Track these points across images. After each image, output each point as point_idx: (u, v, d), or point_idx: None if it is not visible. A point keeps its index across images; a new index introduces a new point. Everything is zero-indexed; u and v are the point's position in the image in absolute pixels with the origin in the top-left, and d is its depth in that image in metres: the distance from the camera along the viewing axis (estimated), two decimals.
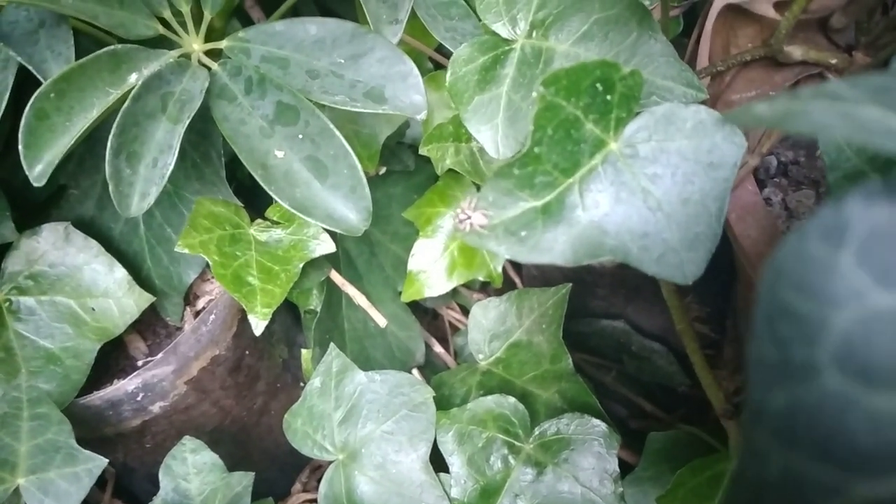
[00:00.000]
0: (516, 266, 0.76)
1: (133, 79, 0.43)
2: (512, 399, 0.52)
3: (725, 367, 0.57)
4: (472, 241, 0.30)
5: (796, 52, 0.40)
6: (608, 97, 0.30)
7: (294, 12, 0.52)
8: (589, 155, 0.31)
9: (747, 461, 0.15)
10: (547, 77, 0.29)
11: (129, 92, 0.41)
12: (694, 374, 0.72)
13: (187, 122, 0.42)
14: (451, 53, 0.44)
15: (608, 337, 0.73)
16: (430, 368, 0.70)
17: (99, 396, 0.53)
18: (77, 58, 0.44)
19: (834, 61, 0.40)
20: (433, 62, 0.64)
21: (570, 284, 0.58)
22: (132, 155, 0.42)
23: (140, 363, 0.57)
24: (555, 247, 0.30)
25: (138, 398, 0.54)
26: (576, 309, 0.57)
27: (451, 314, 0.76)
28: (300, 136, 0.42)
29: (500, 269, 0.63)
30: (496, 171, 0.29)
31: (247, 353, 0.60)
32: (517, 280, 0.76)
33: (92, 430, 0.56)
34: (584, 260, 0.30)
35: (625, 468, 0.52)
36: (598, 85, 0.30)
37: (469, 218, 0.29)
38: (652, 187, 0.31)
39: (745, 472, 0.15)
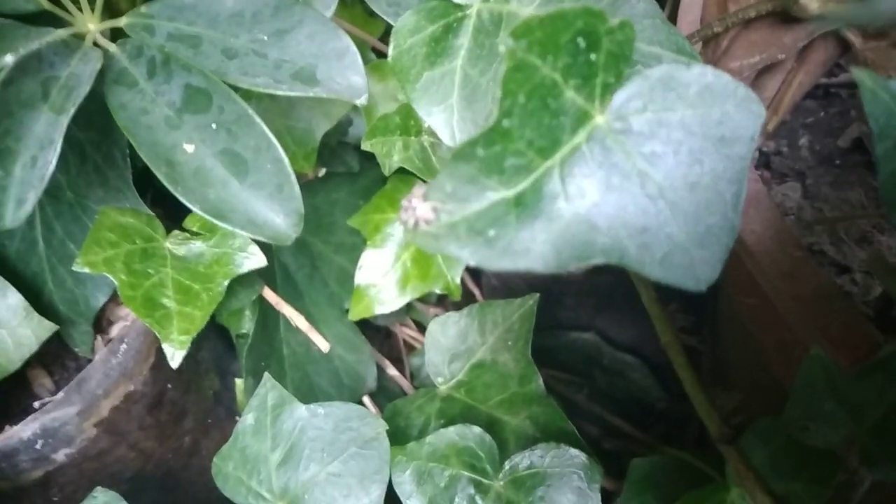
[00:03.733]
0: (475, 276, 0.69)
1: (8, 61, 0.35)
2: (477, 429, 0.45)
3: (715, 382, 0.51)
4: (427, 245, 0.23)
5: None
6: (592, 56, 0.24)
7: None
8: (571, 130, 0.24)
9: None
10: (517, 27, 0.22)
11: None
12: (671, 386, 0.67)
13: (72, 112, 0.34)
14: None
15: (578, 350, 0.68)
16: (383, 394, 0.63)
17: None
18: None
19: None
20: (377, 52, 0.58)
21: (538, 295, 0.51)
22: (5, 152, 0.34)
23: (38, 404, 0.48)
24: (532, 248, 0.23)
25: (37, 446, 0.46)
26: (542, 321, 0.51)
27: (406, 332, 0.69)
28: (213, 126, 0.35)
29: (458, 280, 0.57)
30: (455, 152, 0.23)
31: (169, 386, 0.52)
32: (477, 292, 0.69)
33: None
34: (570, 263, 0.23)
35: (601, 495, 0.46)
36: (579, 40, 0.24)
37: (414, 210, 0.22)
38: (650, 170, 0.24)
39: None
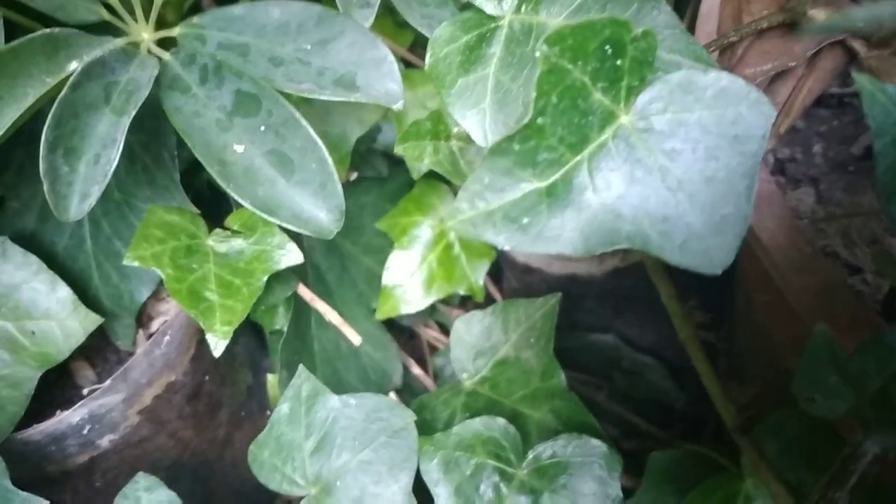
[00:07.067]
0: (496, 279, 0.72)
1: (73, 66, 0.38)
2: (502, 420, 0.47)
3: (732, 377, 0.53)
4: (465, 232, 0.26)
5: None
6: (618, 62, 0.27)
7: None
8: (598, 129, 0.27)
9: None
10: (550, 35, 0.25)
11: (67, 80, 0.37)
12: (689, 388, 0.69)
13: (133, 114, 0.37)
14: (424, 53, 0.40)
15: (597, 352, 0.69)
16: (407, 392, 0.65)
17: (39, 430, 0.47)
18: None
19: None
20: (406, 62, 0.61)
21: (560, 294, 0.53)
22: (71, 150, 0.37)
23: (86, 391, 0.51)
24: (562, 234, 0.26)
25: (84, 431, 0.49)
26: (562, 323, 0.53)
27: (430, 333, 0.71)
28: (262, 128, 0.38)
29: (481, 282, 0.59)
30: (493, 147, 0.25)
31: (207, 378, 0.54)
32: (497, 295, 0.71)
33: (33, 468, 0.50)
34: (597, 249, 0.26)
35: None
36: (607, 47, 0.26)
37: None
38: (670, 165, 0.27)
39: None
